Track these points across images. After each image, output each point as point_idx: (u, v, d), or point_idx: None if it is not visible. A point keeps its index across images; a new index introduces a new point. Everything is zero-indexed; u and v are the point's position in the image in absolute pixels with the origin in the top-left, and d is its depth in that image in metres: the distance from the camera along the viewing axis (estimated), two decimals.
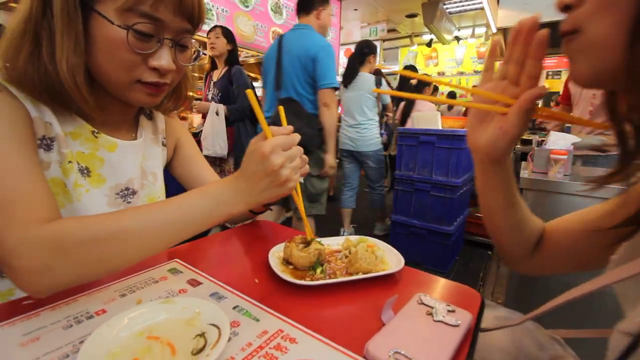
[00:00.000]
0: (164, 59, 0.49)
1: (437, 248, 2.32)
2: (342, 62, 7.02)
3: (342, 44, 5.82)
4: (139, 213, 0.43)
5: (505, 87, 0.43)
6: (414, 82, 3.52)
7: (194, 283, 0.48)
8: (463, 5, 5.43)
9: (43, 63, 0.46)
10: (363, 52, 2.60)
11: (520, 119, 0.39)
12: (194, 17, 0.51)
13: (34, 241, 0.38)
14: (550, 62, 6.65)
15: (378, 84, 2.62)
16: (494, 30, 3.50)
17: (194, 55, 0.57)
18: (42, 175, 0.47)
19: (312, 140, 1.78)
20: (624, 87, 0.35)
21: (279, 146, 0.45)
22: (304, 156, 0.51)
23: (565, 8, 0.35)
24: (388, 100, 2.79)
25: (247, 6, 3.44)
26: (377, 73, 2.68)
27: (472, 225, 2.75)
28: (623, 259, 0.39)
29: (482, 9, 3.11)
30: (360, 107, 2.59)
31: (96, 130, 0.56)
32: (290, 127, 0.49)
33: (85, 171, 0.56)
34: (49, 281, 0.38)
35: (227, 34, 2.38)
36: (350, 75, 2.58)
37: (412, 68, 3.84)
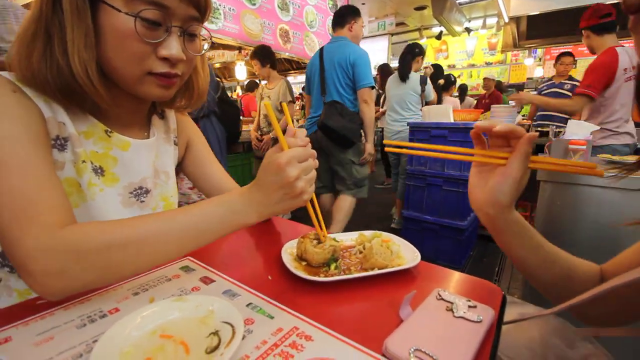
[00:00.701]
0: (173, 47, 0.49)
1: (450, 243, 2.29)
2: None
3: None
4: (155, 221, 0.43)
5: (498, 149, 0.46)
6: (441, 82, 3.82)
7: (207, 281, 0.48)
8: None
9: (55, 60, 0.46)
10: (414, 53, 2.90)
11: (520, 161, 0.42)
12: (201, 4, 0.51)
13: (51, 245, 0.38)
14: (554, 50, 6.45)
15: (423, 83, 2.84)
16: (506, 20, 3.41)
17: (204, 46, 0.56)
18: (58, 178, 0.46)
19: (354, 133, 2.08)
20: None
21: (295, 158, 0.44)
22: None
23: None
24: (431, 97, 2.95)
25: (254, 4, 3.43)
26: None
27: None
28: None
29: None
30: (405, 103, 2.86)
31: (109, 129, 0.56)
32: (307, 139, 0.48)
33: (99, 170, 0.56)
34: (64, 285, 0.39)
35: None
36: (405, 72, 2.85)
37: (438, 67, 3.90)
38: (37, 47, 0.46)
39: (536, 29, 3.65)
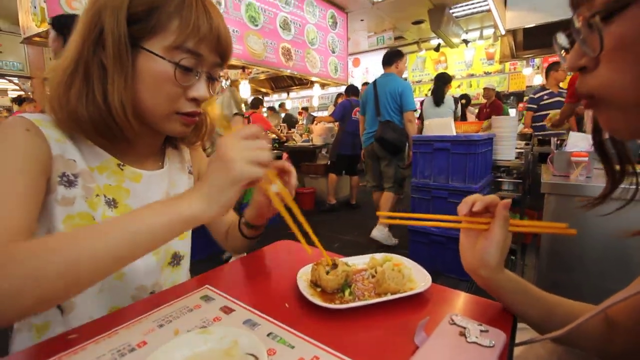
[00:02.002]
0: (202, 89, 0.55)
1: (458, 256, 2.27)
2: (351, 71, 7.12)
3: (350, 54, 5.88)
4: (92, 228, 0.42)
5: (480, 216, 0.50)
6: (463, 101, 4.83)
7: (227, 310, 0.49)
8: (470, 9, 5.41)
9: (93, 99, 0.50)
10: (445, 79, 3.70)
11: (500, 226, 0.47)
12: (226, 54, 0.57)
13: None
14: (553, 58, 6.53)
15: (456, 103, 3.79)
16: (503, 32, 3.47)
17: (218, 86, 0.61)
18: (33, 201, 0.47)
19: (402, 144, 2.85)
20: None
21: (236, 133, 0.46)
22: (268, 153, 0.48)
23: (578, 69, 0.35)
24: (459, 113, 3.88)
25: (257, 25, 3.54)
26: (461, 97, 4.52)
27: None
28: None
29: (489, 11, 3.10)
30: None
31: (122, 163, 0.60)
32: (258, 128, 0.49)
33: (112, 203, 0.58)
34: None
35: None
36: (440, 97, 3.62)
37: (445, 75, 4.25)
38: (76, 86, 0.50)
39: (533, 40, 3.72)
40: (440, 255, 2.35)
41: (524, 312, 0.50)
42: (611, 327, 0.48)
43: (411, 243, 2.52)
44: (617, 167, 0.41)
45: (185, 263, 0.72)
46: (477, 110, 5.70)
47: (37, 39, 2.40)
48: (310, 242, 0.58)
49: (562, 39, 0.36)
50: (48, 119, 0.52)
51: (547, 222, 0.50)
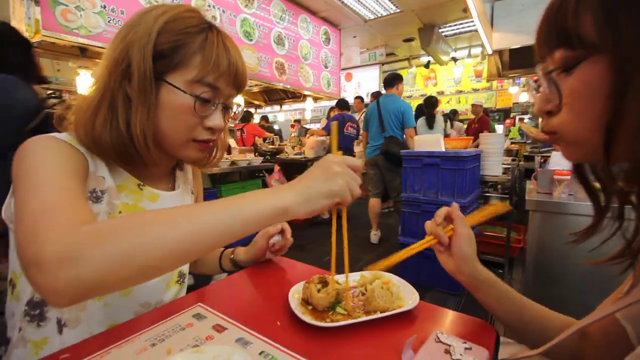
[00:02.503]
0: (218, 119, 0.59)
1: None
2: (343, 85, 7.23)
3: (343, 69, 6.00)
4: (187, 207, 0.43)
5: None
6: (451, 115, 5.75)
7: (220, 329, 0.50)
8: (458, 29, 5.60)
9: (117, 126, 0.53)
10: (433, 104, 4.36)
11: (460, 225, 0.57)
12: (242, 86, 0.62)
13: (69, 231, 0.37)
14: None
15: (447, 121, 4.61)
16: (490, 52, 3.60)
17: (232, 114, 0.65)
18: (85, 200, 0.48)
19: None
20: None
21: (346, 160, 0.49)
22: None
23: (545, 113, 0.40)
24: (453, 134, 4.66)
25: (251, 40, 3.60)
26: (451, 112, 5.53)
27: (481, 245, 2.73)
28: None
29: (476, 31, 3.23)
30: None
31: (142, 183, 0.63)
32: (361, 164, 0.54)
33: None
34: (76, 274, 0.33)
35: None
36: (432, 121, 4.22)
37: (432, 100, 4.65)
38: (101, 115, 0.53)
39: (518, 60, 3.87)
40: (429, 269, 2.37)
41: (499, 309, 0.56)
42: (584, 339, 0.51)
43: None
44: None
45: (187, 281, 0.74)
46: (465, 126, 5.84)
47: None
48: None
49: (532, 84, 0.40)
50: (73, 138, 0.55)
51: (489, 207, 0.60)
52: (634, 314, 0.41)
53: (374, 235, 3.39)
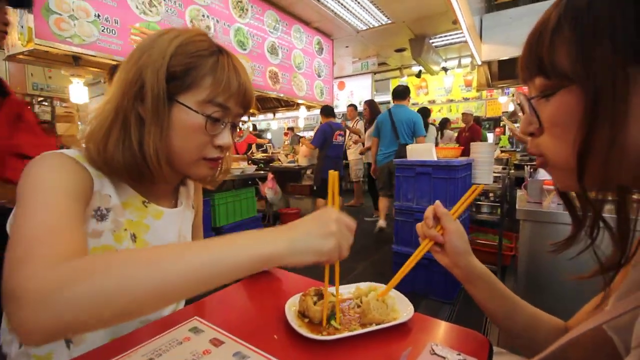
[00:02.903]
0: (227, 137, 0.61)
1: (441, 278, 2.32)
2: (336, 94, 7.30)
3: (336, 78, 6.06)
4: (170, 247, 0.43)
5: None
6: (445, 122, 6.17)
7: (217, 343, 0.50)
8: (448, 40, 5.72)
9: (129, 146, 0.54)
10: (427, 114, 4.84)
11: (447, 220, 0.59)
12: (249, 106, 0.64)
13: (54, 268, 0.36)
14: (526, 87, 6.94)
15: (439, 130, 5.16)
16: (479, 63, 3.68)
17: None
18: (80, 224, 0.48)
19: None
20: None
21: (345, 219, 0.49)
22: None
23: (528, 134, 0.42)
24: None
25: (245, 49, 3.63)
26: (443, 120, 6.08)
27: (474, 253, 2.76)
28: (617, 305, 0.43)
29: (466, 42, 3.30)
30: None
31: (146, 200, 0.64)
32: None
33: (133, 237, 0.61)
34: (51, 313, 0.33)
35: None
36: (425, 129, 4.18)
37: (426, 110, 5.04)
38: (114, 134, 0.54)
39: (507, 71, 3.96)
40: (423, 277, 2.38)
41: (491, 306, 0.58)
42: (570, 344, 0.52)
43: (394, 266, 2.54)
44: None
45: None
46: (456, 134, 5.93)
47: (21, 56, 2.38)
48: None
49: (517, 106, 0.42)
50: (82, 156, 0.55)
51: (466, 194, 0.63)
52: (620, 325, 0.43)
53: (382, 222, 3.82)
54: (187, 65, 0.55)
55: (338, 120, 4.74)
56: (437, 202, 0.62)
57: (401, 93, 3.68)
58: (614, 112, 0.32)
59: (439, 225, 0.60)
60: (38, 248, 0.39)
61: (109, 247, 0.57)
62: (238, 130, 0.66)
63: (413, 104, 8.45)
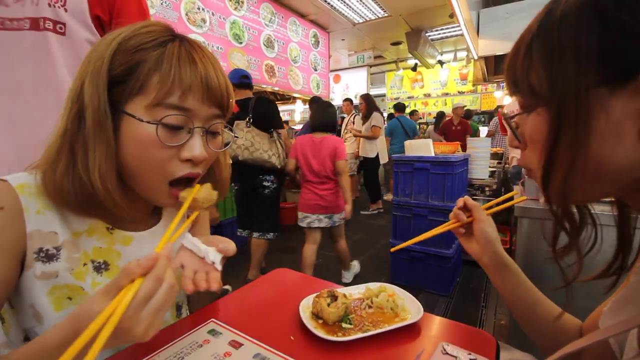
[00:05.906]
0: (196, 148, 0.49)
1: (438, 272, 2.36)
2: (332, 87, 7.27)
3: (331, 71, 6.02)
4: None
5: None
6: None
7: (236, 345, 0.52)
8: (444, 33, 5.72)
9: (78, 174, 0.46)
10: (400, 108, 5.24)
11: (479, 211, 0.62)
12: (223, 103, 0.52)
13: None
14: None
15: (435, 124, 5.95)
16: (476, 57, 3.70)
17: (226, 142, 0.58)
18: None
19: None
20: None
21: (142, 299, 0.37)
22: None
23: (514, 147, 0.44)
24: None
25: (241, 42, 3.59)
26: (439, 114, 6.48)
27: None
28: (614, 309, 0.45)
29: (462, 35, 3.31)
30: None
31: (110, 226, 0.55)
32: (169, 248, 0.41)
33: (103, 266, 0.54)
34: None
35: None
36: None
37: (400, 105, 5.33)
38: (62, 162, 0.46)
39: (503, 65, 3.98)
40: (420, 271, 2.43)
41: (512, 296, 0.59)
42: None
43: (392, 259, 2.58)
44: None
45: (186, 306, 0.70)
46: (431, 127, 6.08)
47: None
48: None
49: (504, 121, 0.44)
50: (33, 184, 0.49)
51: (502, 198, 0.66)
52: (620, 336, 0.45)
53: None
54: (128, 64, 0.46)
55: None
56: (466, 196, 0.64)
57: (402, 107, 5.18)
58: (575, 134, 0.32)
59: (468, 212, 0.63)
60: None
61: (72, 286, 0.50)
62: (219, 137, 0.54)
63: (409, 98, 8.52)
